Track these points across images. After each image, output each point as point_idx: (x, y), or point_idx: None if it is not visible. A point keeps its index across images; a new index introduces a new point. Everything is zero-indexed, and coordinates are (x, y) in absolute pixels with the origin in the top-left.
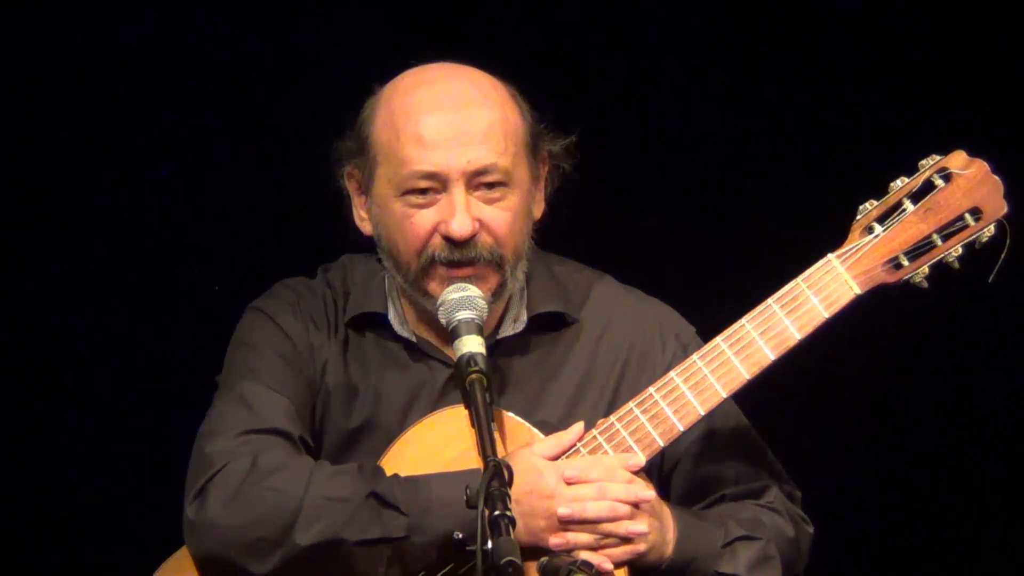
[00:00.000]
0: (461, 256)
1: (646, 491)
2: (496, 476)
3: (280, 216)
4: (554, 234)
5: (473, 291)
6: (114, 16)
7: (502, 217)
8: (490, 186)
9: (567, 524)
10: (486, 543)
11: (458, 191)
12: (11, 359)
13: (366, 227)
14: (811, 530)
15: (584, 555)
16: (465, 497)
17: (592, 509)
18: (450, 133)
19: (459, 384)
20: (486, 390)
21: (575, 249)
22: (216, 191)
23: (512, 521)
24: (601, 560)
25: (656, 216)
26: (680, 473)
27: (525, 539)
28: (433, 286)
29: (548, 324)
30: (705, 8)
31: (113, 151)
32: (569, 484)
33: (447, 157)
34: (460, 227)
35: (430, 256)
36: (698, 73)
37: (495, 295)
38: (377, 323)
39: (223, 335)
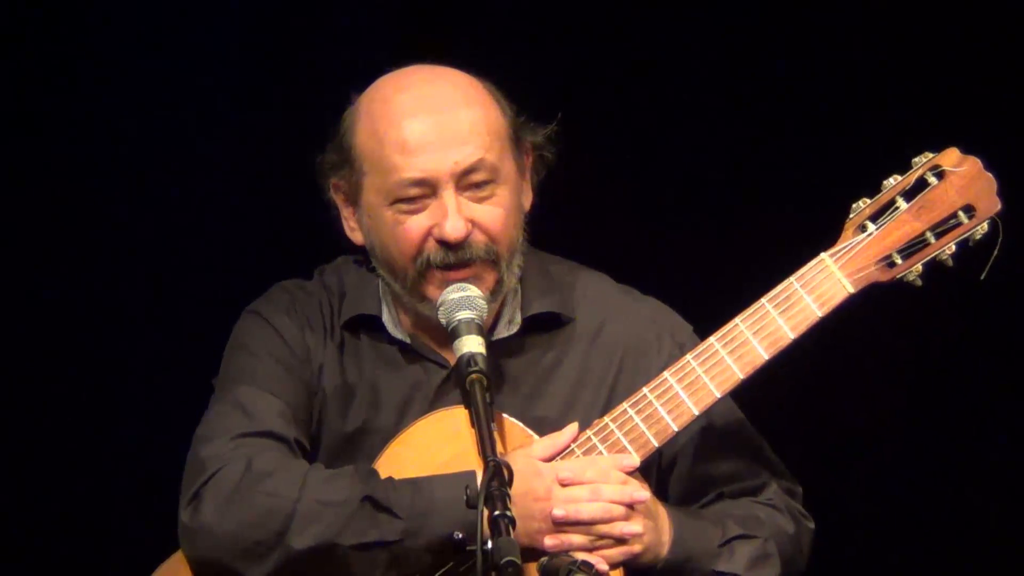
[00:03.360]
0: (456, 259)
1: (641, 492)
2: (496, 476)
3: (278, 218)
4: (549, 233)
5: (473, 291)
6: (114, 17)
7: (494, 214)
8: (479, 185)
9: (562, 525)
10: (486, 543)
11: (448, 193)
12: (10, 360)
13: (357, 237)
14: (812, 526)
15: (580, 556)
16: (465, 497)
17: (587, 510)
18: (434, 136)
19: (459, 384)
20: (486, 390)
21: (570, 249)
22: (214, 193)
23: (512, 521)
24: (596, 561)
25: (649, 215)
26: (677, 471)
27: (521, 540)
28: (431, 290)
29: (543, 325)
30: (702, 6)
31: (111, 153)
32: (564, 485)
33: (434, 161)
34: (454, 229)
35: (425, 261)
36: (693, 72)
37: (493, 293)
38: (372, 325)
39: (220, 338)
